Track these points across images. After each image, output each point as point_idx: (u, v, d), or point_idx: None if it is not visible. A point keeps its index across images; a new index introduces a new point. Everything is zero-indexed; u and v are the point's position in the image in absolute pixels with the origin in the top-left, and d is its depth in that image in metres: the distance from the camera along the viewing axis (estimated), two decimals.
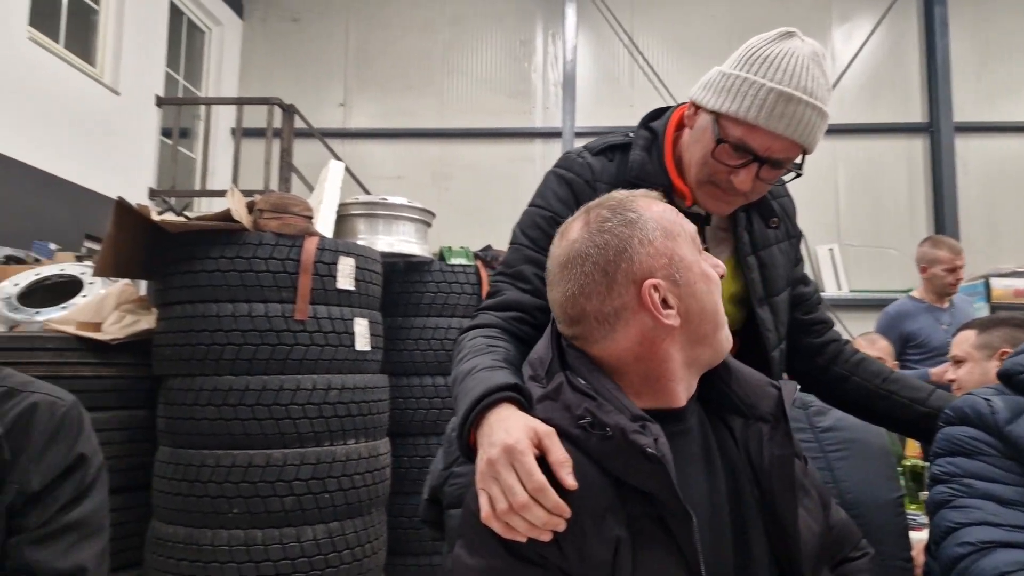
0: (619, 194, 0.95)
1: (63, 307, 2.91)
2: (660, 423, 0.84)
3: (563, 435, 0.84)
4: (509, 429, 0.84)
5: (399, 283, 3.28)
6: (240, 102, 6.24)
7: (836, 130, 6.86)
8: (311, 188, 6.55)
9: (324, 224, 2.99)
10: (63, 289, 3.08)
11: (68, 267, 3.20)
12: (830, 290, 6.85)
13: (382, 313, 2.95)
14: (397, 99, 7.82)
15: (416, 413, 3.17)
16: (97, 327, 2.68)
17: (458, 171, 7.67)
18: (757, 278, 1.23)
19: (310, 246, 2.58)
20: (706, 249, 1.08)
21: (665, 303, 0.87)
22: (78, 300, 2.96)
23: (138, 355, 2.63)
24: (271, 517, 2.35)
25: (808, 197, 4.13)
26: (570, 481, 0.79)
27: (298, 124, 6.19)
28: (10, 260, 3.62)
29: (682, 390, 0.90)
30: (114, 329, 2.68)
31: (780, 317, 1.27)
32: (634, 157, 1.19)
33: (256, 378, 2.43)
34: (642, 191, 0.95)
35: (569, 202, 1.18)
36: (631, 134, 1.24)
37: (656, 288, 0.86)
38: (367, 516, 2.59)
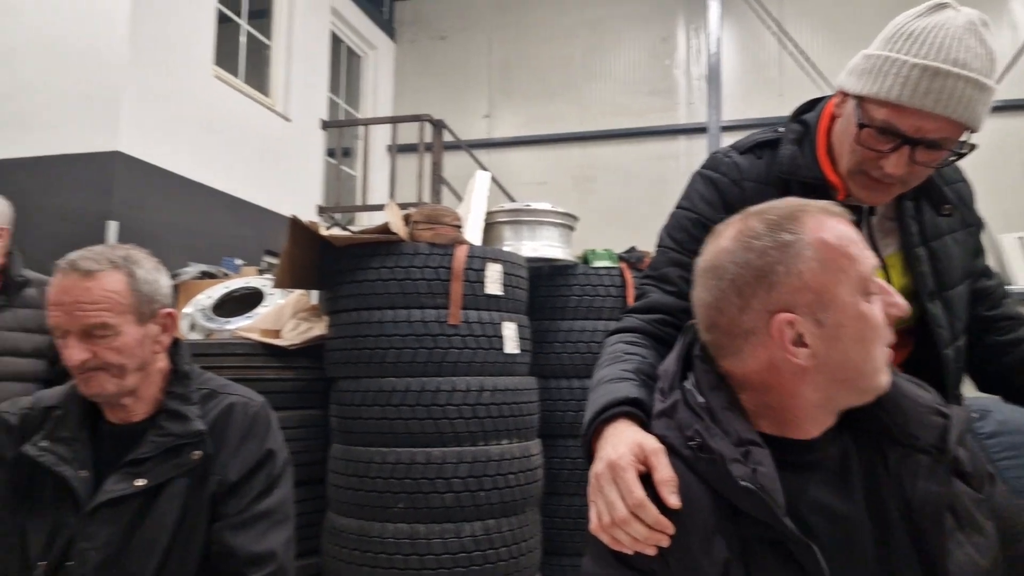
0: (788, 204, 0.85)
1: (248, 316, 3.25)
2: (782, 450, 0.80)
3: (674, 453, 0.83)
4: (616, 444, 0.85)
5: (545, 287, 3.34)
6: (394, 120, 6.64)
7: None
8: (460, 198, 6.82)
9: (473, 232, 3.11)
10: (248, 300, 3.44)
11: (252, 280, 3.56)
12: (1020, 283, 6.09)
13: (529, 317, 3.02)
14: (539, 107, 7.95)
15: (565, 415, 3.20)
16: (277, 334, 2.96)
17: (601, 173, 7.66)
18: (928, 271, 1.13)
19: (461, 254, 2.70)
20: (871, 241, 1.02)
21: (800, 341, 0.79)
22: (260, 310, 3.29)
23: (313, 359, 2.87)
24: (432, 513, 2.48)
25: (991, 181, 3.70)
26: (672, 500, 0.79)
27: (446, 138, 6.48)
28: (204, 275, 4.08)
29: (812, 427, 0.84)
30: (291, 335, 2.95)
31: (955, 313, 1.16)
32: (783, 152, 1.13)
33: (415, 380, 2.57)
34: (822, 203, 0.85)
35: (715, 203, 1.15)
36: (780, 129, 1.19)
37: (791, 324, 0.79)
38: (522, 515, 2.66)
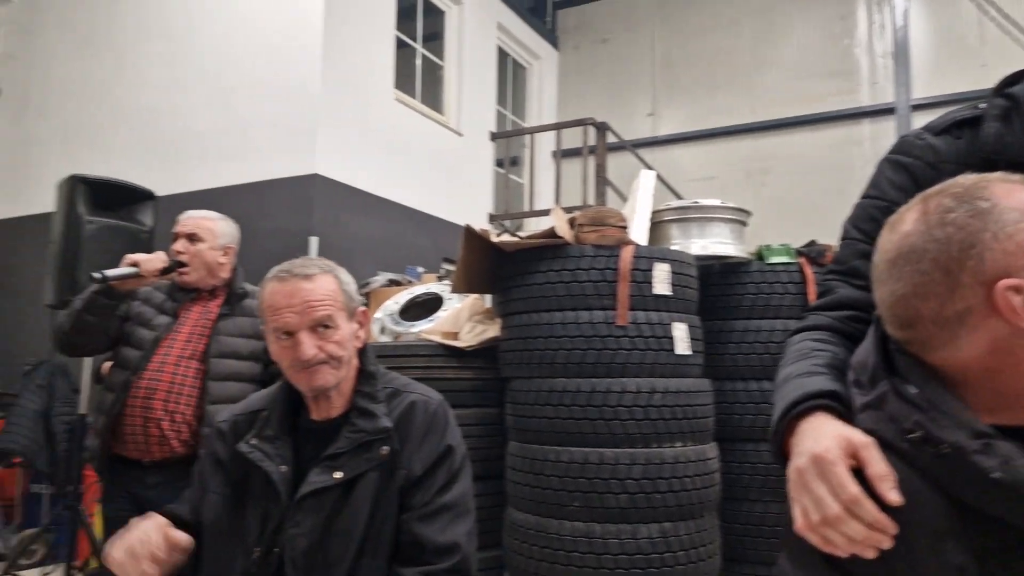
0: (966, 179, 0.78)
1: (430, 320, 3.47)
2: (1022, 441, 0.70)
3: (887, 448, 0.74)
4: (818, 438, 0.78)
5: (716, 286, 3.23)
6: (558, 127, 6.75)
7: None
8: (624, 199, 6.77)
9: (639, 232, 3.09)
10: (429, 305, 3.67)
11: (432, 286, 3.80)
12: None
13: (701, 317, 2.95)
14: (705, 100, 7.70)
15: (743, 418, 3.07)
16: (456, 336, 3.13)
17: (774, 165, 7.25)
18: None
19: (627, 255, 2.69)
20: None
21: None
22: (441, 313, 3.50)
23: (488, 360, 3.00)
24: (607, 513, 2.49)
25: None
26: (892, 496, 0.71)
27: (610, 139, 6.47)
28: (391, 283, 4.41)
29: None
30: (468, 337, 3.11)
31: None
32: (988, 130, 0.99)
33: (585, 380, 2.61)
34: (998, 174, 0.77)
35: (908, 189, 1.05)
36: (982, 105, 1.07)
37: (1017, 290, 0.71)
38: (699, 519, 2.60)
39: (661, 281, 2.72)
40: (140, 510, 2.19)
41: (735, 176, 7.37)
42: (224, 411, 1.48)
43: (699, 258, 3.08)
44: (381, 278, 4.54)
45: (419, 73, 6.35)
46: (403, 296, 3.76)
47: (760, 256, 3.29)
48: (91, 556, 3.91)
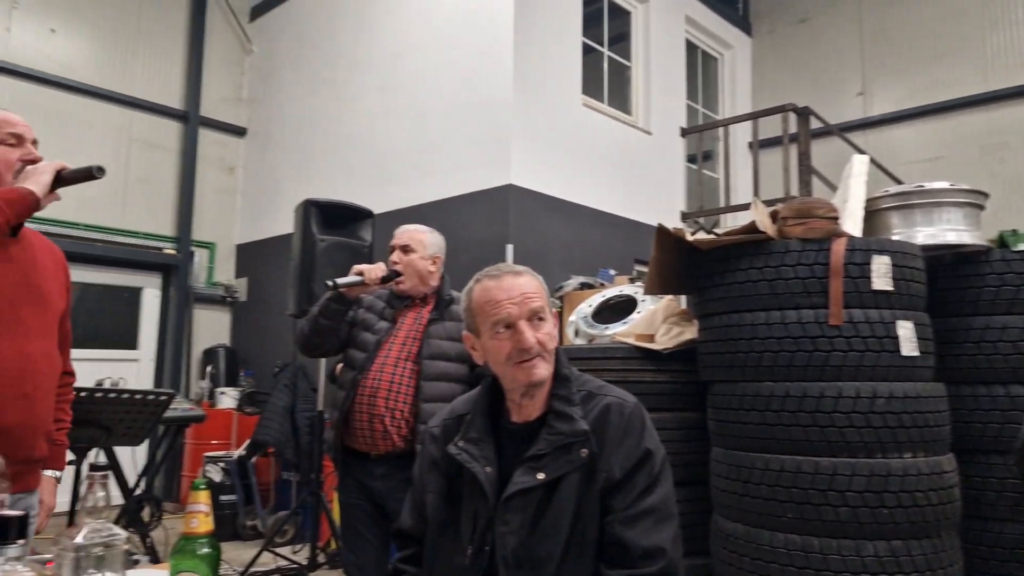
0: None
1: (624, 322, 3.46)
2: None
3: None
4: None
5: (948, 279, 2.87)
6: (754, 116, 6.42)
7: None
8: (833, 188, 6.26)
9: (852, 223, 2.85)
10: (622, 307, 3.67)
11: (625, 288, 3.79)
12: None
13: (929, 314, 2.65)
14: (925, 73, 6.89)
15: (987, 427, 2.71)
16: (651, 338, 3.10)
17: (1013, 139, 6.29)
18: None
19: (838, 248, 2.49)
20: None
21: None
22: (634, 316, 3.49)
23: (686, 362, 2.94)
24: (825, 526, 2.32)
25: None
26: None
27: (813, 125, 6.03)
28: (583, 286, 4.48)
29: None
30: (664, 340, 3.07)
31: None
32: None
33: (795, 384, 2.45)
34: None
35: None
36: None
37: None
38: (936, 539, 2.33)
39: (881, 275, 2.48)
40: (369, 498, 2.45)
41: (966, 154, 6.50)
42: (435, 416, 1.58)
43: (926, 248, 2.76)
44: (574, 281, 4.62)
45: (606, 76, 6.37)
46: (596, 299, 3.79)
47: (1003, 243, 2.87)
48: (331, 538, 4.40)
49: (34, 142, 1.68)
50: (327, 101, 6.61)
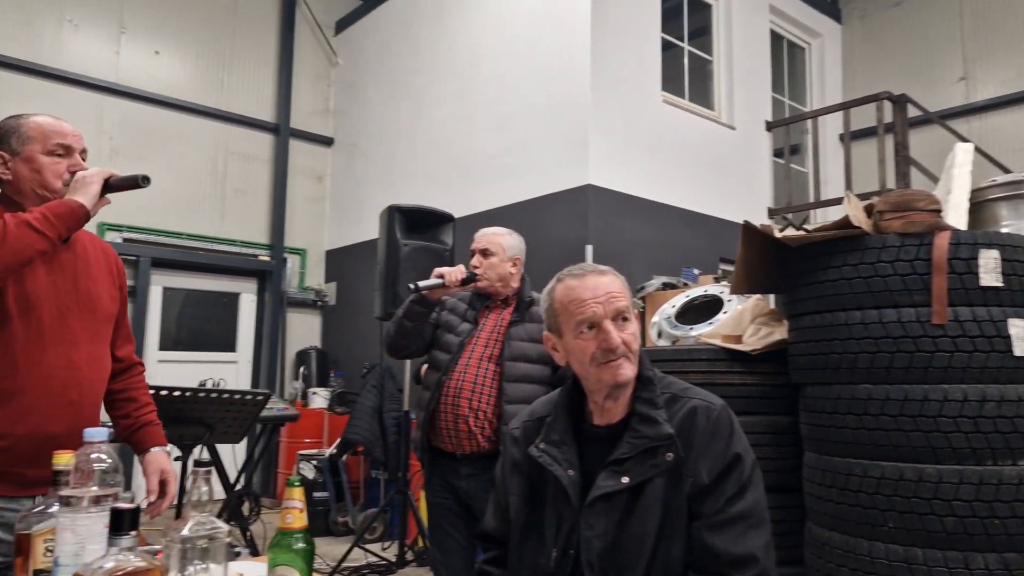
0: None
1: (709, 323, 3.38)
2: None
3: None
4: None
5: None
6: (846, 106, 6.13)
7: None
8: (934, 180, 5.89)
9: (956, 216, 2.67)
10: (708, 307, 3.58)
11: (710, 288, 3.70)
12: None
13: None
14: None
15: None
16: (738, 339, 3.01)
17: None
18: None
19: (941, 242, 2.34)
20: None
21: None
22: (720, 316, 3.40)
23: (776, 364, 2.83)
24: (931, 537, 2.18)
25: None
26: None
27: (911, 113, 5.71)
28: (666, 286, 4.40)
29: None
30: (752, 340, 2.97)
31: None
32: None
33: (895, 387, 2.32)
34: None
35: None
36: None
37: None
38: None
39: (989, 271, 2.32)
40: (456, 498, 2.49)
41: None
42: (515, 418, 1.58)
43: None
44: (656, 281, 4.54)
45: (687, 71, 6.24)
46: (679, 299, 3.72)
47: None
48: (418, 536, 4.49)
49: (83, 152, 1.72)
50: (408, 109, 6.77)
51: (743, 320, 3.12)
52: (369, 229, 6.87)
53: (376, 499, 5.42)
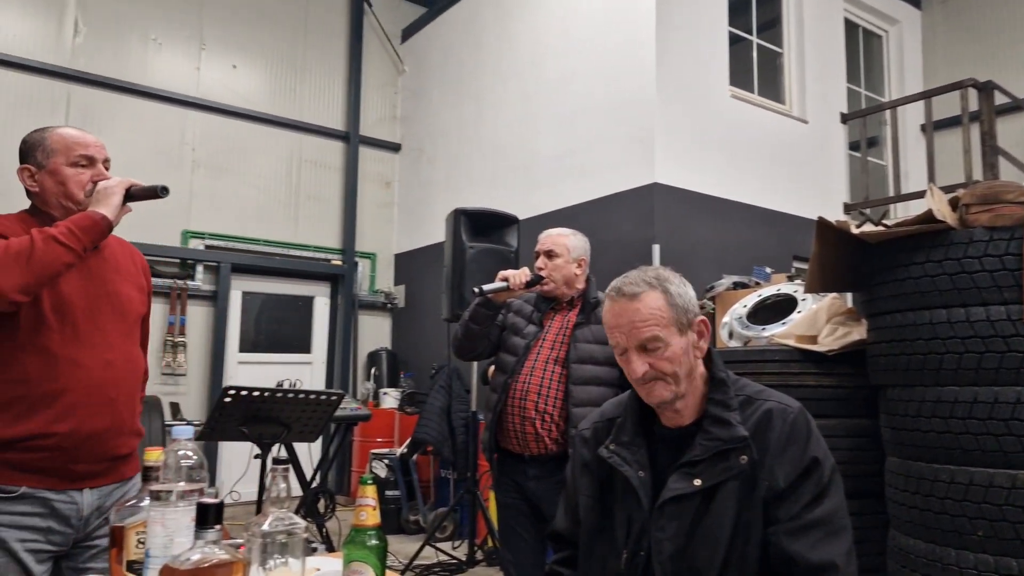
0: None
1: (783, 323, 3.28)
2: None
3: None
4: None
5: None
6: (928, 95, 5.85)
7: None
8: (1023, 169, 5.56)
9: None
10: (780, 307, 3.48)
11: (783, 287, 3.59)
12: None
13: None
14: None
15: None
16: (813, 340, 2.91)
17: None
18: None
19: None
20: None
21: None
22: (794, 316, 3.29)
23: (854, 365, 2.73)
24: None
25: None
26: None
27: (998, 100, 5.39)
28: (736, 286, 4.30)
29: None
30: (828, 341, 2.87)
31: None
32: None
33: (984, 389, 2.20)
34: None
35: None
36: None
37: None
38: None
39: None
40: (525, 498, 2.50)
41: None
42: (586, 419, 1.58)
43: None
44: (726, 281, 4.44)
45: (755, 65, 6.08)
46: (751, 299, 3.62)
47: None
48: (488, 536, 4.53)
49: (106, 162, 1.77)
50: (472, 112, 6.84)
51: (818, 320, 3.02)
52: (435, 232, 6.97)
53: (446, 498, 5.49)
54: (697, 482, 1.29)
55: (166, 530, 1.11)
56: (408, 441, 5.56)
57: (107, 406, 1.68)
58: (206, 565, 1.00)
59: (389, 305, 7.63)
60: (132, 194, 1.72)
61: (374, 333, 7.53)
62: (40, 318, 1.61)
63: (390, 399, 6.58)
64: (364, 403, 6.49)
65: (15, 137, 5.81)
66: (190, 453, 1.17)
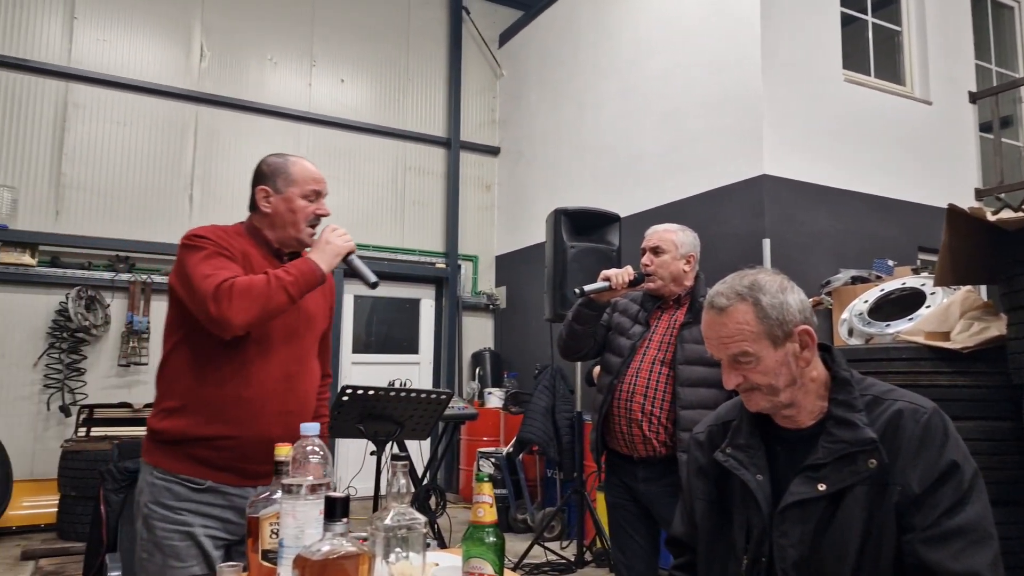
0: None
1: (909, 319, 3.07)
2: None
3: None
4: None
5: None
6: None
7: None
8: None
9: None
10: (906, 302, 3.26)
11: (908, 280, 3.36)
12: None
13: None
14: None
15: None
16: (945, 336, 2.71)
17: None
18: None
19: None
20: None
21: None
22: (922, 311, 3.07)
23: (992, 363, 2.52)
24: None
25: None
26: None
27: None
28: (856, 280, 4.06)
29: None
30: (962, 337, 2.66)
31: None
32: None
33: None
34: None
35: None
36: None
37: None
38: None
39: None
40: (634, 499, 2.47)
41: None
42: (700, 423, 1.54)
43: None
44: (844, 275, 4.21)
45: (871, 45, 5.72)
46: (872, 293, 3.41)
47: None
48: (596, 536, 4.51)
49: (324, 195, 1.91)
50: (572, 112, 6.83)
51: (950, 315, 2.80)
52: (535, 233, 7.02)
53: (553, 498, 5.51)
54: (821, 487, 1.23)
55: (297, 521, 1.18)
56: (514, 440, 5.62)
57: (283, 416, 1.80)
58: (335, 556, 1.05)
59: (491, 306, 7.75)
60: (348, 261, 1.87)
61: (477, 334, 7.67)
62: (244, 337, 1.75)
63: (495, 398, 6.68)
64: (470, 402, 6.62)
65: (156, 157, 6.37)
66: (317, 449, 1.23)
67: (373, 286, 1.86)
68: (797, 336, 1.30)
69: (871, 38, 5.72)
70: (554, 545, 4.79)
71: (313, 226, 1.88)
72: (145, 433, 1.82)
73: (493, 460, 5.77)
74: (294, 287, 1.72)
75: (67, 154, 5.95)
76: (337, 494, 1.09)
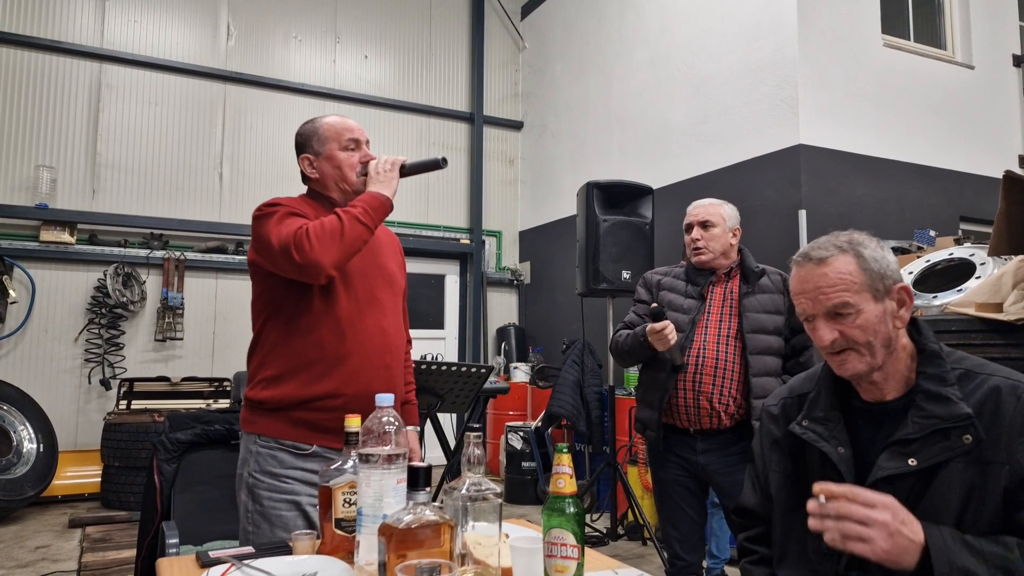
0: None
1: (958, 290, 3.01)
2: None
3: None
4: None
5: None
6: None
7: None
8: None
9: None
10: (953, 272, 3.19)
11: (956, 250, 3.29)
12: None
13: None
14: None
15: None
16: (998, 307, 2.64)
17: None
18: None
19: None
20: None
21: None
22: (971, 282, 3.01)
23: None
24: None
25: None
26: None
27: None
28: (897, 251, 3.98)
29: None
30: (1016, 309, 2.59)
31: None
32: None
33: None
34: None
35: None
36: None
37: None
38: None
39: None
40: (691, 473, 2.46)
41: None
42: (772, 395, 1.51)
43: None
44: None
45: (911, 8, 5.56)
46: (917, 264, 3.35)
47: None
48: (627, 510, 4.52)
49: (367, 142, 1.89)
50: (597, 84, 6.73)
51: (1003, 285, 2.73)
52: (560, 208, 6.96)
53: (581, 471, 5.53)
54: (912, 462, 1.19)
55: (373, 490, 1.17)
56: (543, 414, 5.63)
57: (384, 370, 1.80)
58: (417, 525, 1.04)
59: (515, 282, 7.73)
60: (406, 171, 1.83)
61: (502, 309, 7.67)
62: (330, 288, 1.75)
63: (520, 373, 6.69)
64: (496, 377, 6.63)
65: (186, 135, 6.38)
66: (392, 419, 1.22)
67: (443, 161, 1.80)
68: (896, 293, 1.27)
69: (911, 1, 5.56)
70: (586, 518, 4.82)
71: (365, 175, 1.84)
72: (242, 406, 1.81)
73: (521, 434, 5.79)
74: (366, 216, 1.69)
75: (102, 134, 6.00)
76: (420, 463, 1.08)
